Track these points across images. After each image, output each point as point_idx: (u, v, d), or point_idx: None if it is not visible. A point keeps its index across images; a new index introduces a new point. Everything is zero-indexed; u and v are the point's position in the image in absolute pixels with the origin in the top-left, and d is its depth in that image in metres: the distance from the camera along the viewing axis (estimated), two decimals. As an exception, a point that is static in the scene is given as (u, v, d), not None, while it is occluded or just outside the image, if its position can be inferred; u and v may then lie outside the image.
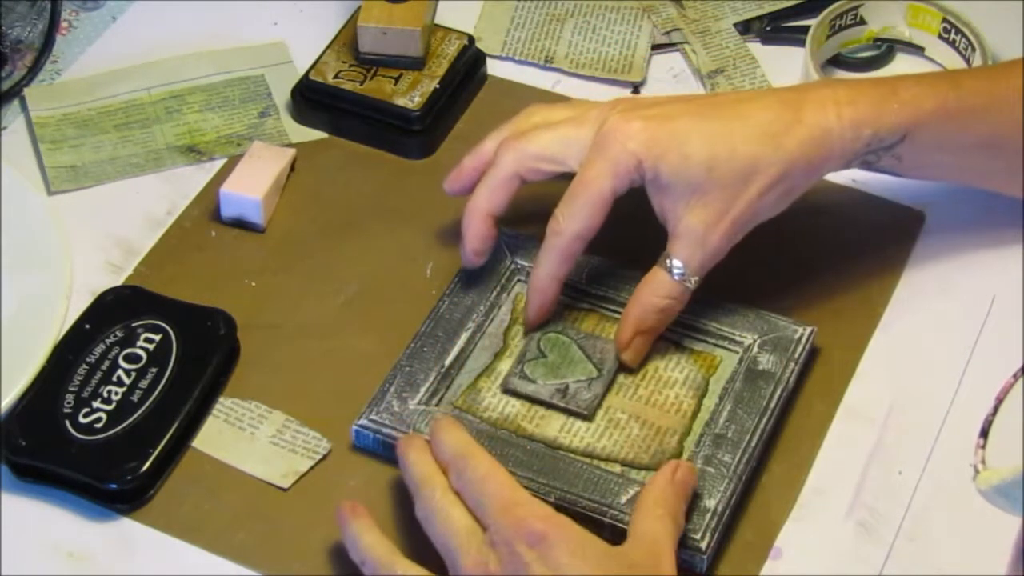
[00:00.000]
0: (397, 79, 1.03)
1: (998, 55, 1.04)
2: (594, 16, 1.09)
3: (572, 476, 0.83)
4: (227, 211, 0.98)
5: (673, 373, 0.89)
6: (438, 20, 1.06)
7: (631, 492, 0.82)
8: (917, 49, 1.07)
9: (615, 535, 0.79)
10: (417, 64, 1.03)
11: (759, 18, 1.09)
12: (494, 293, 0.92)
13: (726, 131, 0.86)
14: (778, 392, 0.87)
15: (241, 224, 0.98)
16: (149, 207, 1.00)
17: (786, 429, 0.88)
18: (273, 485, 0.86)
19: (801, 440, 0.88)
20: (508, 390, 0.88)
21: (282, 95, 1.05)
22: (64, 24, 1.10)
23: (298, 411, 0.89)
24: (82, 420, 0.86)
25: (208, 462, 0.87)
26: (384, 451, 0.86)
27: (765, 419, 0.86)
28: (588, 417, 0.87)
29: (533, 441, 0.86)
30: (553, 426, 0.87)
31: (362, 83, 1.03)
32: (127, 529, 0.85)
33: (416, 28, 1.02)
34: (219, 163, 1.02)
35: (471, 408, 0.88)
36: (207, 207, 0.99)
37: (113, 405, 0.87)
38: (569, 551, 0.75)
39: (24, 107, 1.05)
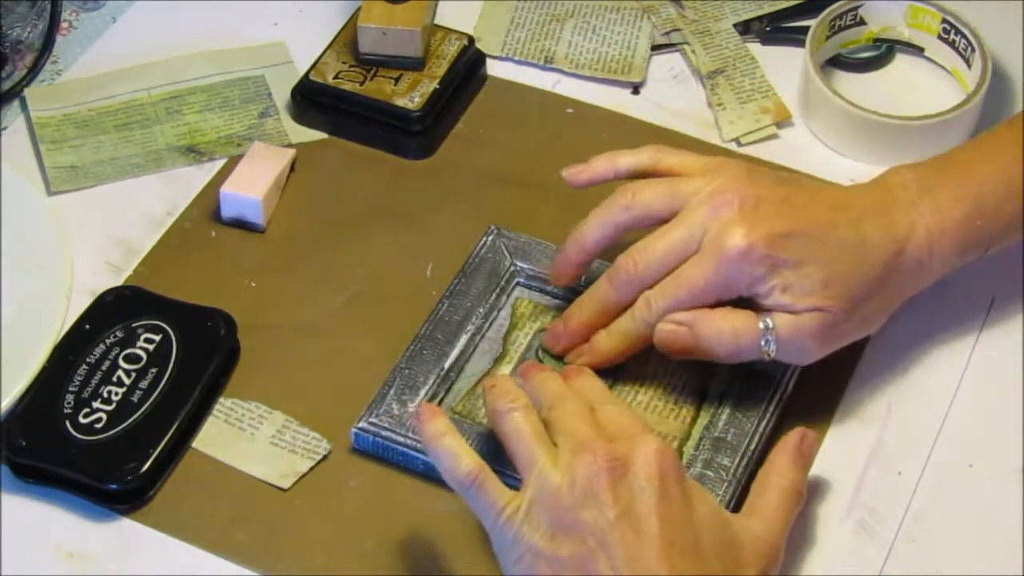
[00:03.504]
0: (397, 79, 1.03)
1: (998, 55, 1.04)
2: (594, 16, 1.09)
3: None
4: (227, 211, 0.98)
5: (671, 379, 0.89)
6: (438, 20, 1.06)
7: None
8: (917, 49, 1.07)
9: None
10: (417, 64, 1.03)
11: (759, 18, 1.09)
12: (493, 296, 0.92)
13: (840, 259, 0.84)
14: (777, 394, 0.87)
15: (241, 224, 0.98)
16: (149, 207, 1.00)
17: (786, 429, 0.88)
18: (273, 485, 0.86)
19: (801, 440, 0.88)
20: None
21: (282, 95, 1.05)
22: (64, 24, 1.10)
23: (298, 411, 0.89)
24: (82, 420, 0.86)
25: (208, 462, 0.87)
26: (384, 453, 0.86)
27: (764, 422, 0.86)
28: None
29: None
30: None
31: (362, 83, 1.03)
32: (127, 529, 0.85)
33: (416, 28, 1.02)
34: (219, 163, 1.02)
35: (471, 414, 0.87)
36: (207, 207, 0.99)
37: (113, 405, 0.87)
38: (690, 503, 0.75)
39: (24, 107, 1.05)
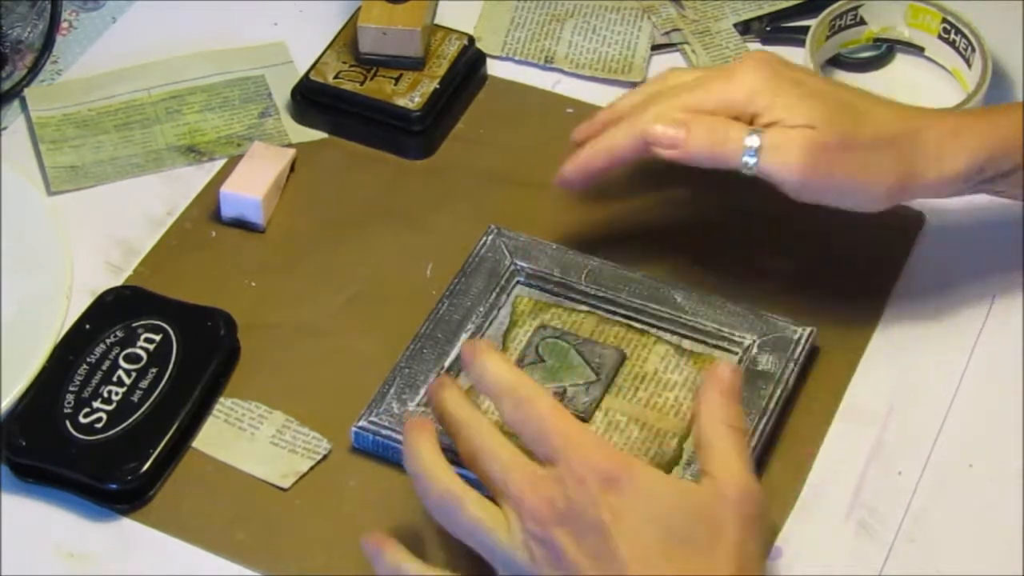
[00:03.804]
0: (397, 79, 1.03)
1: (998, 55, 1.04)
2: (594, 16, 1.09)
3: None
4: (227, 211, 0.98)
5: (672, 375, 0.89)
6: (438, 20, 1.06)
7: None
8: (917, 49, 1.07)
9: None
10: (417, 64, 1.03)
11: (759, 18, 1.09)
12: (493, 295, 0.92)
13: (843, 105, 0.87)
14: (777, 392, 0.87)
15: (241, 224, 0.98)
16: (149, 207, 1.00)
17: (786, 429, 0.88)
18: (273, 485, 0.86)
19: (801, 440, 0.88)
20: None
21: (282, 95, 1.05)
22: (64, 24, 1.10)
23: (298, 411, 0.89)
24: (82, 420, 0.86)
25: (208, 462, 0.87)
26: (384, 452, 0.86)
27: (764, 419, 0.86)
28: (586, 419, 0.87)
29: None
30: None
31: (362, 83, 1.03)
32: (127, 529, 0.85)
33: (416, 28, 1.02)
34: (219, 163, 1.02)
35: None
36: (207, 207, 0.99)
37: (113, 405, 0.87)
38: (643, 504, 0.73)
39: (24, 107, 1.05)
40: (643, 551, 0.72)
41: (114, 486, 0.85)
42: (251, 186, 0.97)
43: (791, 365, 0.88)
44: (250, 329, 0.92)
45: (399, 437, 0.85)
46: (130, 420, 0.87)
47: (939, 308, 0.93)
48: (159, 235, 0.98)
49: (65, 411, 0.87)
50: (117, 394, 0.88)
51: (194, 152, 1.02)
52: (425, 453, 0.78)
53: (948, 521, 0.84)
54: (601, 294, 0.92)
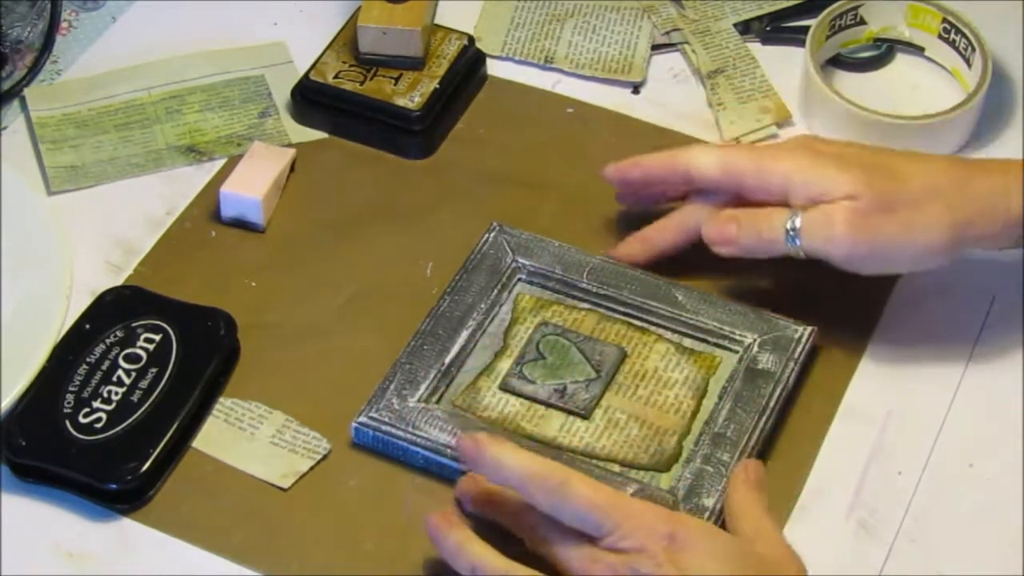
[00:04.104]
0: (397, 79, 1.03)
1: (998, 55, 1.04)
2: (594, 16, 1.09)
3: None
4: (227, 211, 0.98)
5: (673, 374, 0.89)
6: (438, 20, 1.06)
7: (631, 489, 0.82)
8: (917, 49, 1.07)
9: None
10: (417, 64, 1.03)
11: (759, 18, 1.09)
12: (495, 292, 0.92)
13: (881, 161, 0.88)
14: (777, 391, 0.87)
15: (241, 224, 0.98)
16: (149, 207, 1.00)
17: (786, 429, 0.88)
18: (273, 485, 0.86)
19: (801, 440, 0.88)
20: (506, 388, 0.88)
21: (282, 95, 1.05)
22: (64, 24, 1.10)
23: (298, 411, 0.89)
24: (82, 420, 0.86)
25: (208, 462, 0.87)
26: (383, 448, 0.86)
27: (764, 418, 0.86)
28: (585, 416, 0.87)
29: (532, 440, 0.86)
30: (552, 426, 0.87)
31: (362, 83, 1.03)
32: (127, 529, 0.85)
33: (416, 28, 1.02)
34: (219, 163, 1.02)
35: (471, 407, 0.88)
36: (207, 207, 0.99)
37: (113, 405, 0.87)
38: (703, 551, 0.75)
39: (24, 107, 1.05)
40: None
41: (114, 486, 0.85)
42: (251, 186, 0.97)
43: (791, 364, 0.88)
44: (250, 329, 0.92)
45: (399, 433, 0.85)
46: (130, 420, 0.86)
47: (939, 308, 0.93)
48: (159, 235, 0.98)
49: (65, 411, 0.87)
50: (117, 394, 0.88)
51: (194, 152, 1.02)
52: (472, 544, 0.78)
53: (948, 521, 0.84)
54: (602, 292, 0.92)
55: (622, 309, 0.91)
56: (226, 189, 0.98)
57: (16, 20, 1.07)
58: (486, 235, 0.95)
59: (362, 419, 0.87)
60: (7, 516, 0.85)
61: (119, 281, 0.95)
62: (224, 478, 0.87)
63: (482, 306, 0.91)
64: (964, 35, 1.03)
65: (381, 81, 1.03)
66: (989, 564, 0.82)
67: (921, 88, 1.05)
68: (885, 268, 0.89)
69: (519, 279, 0.94)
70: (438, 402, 0.88)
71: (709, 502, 0.82)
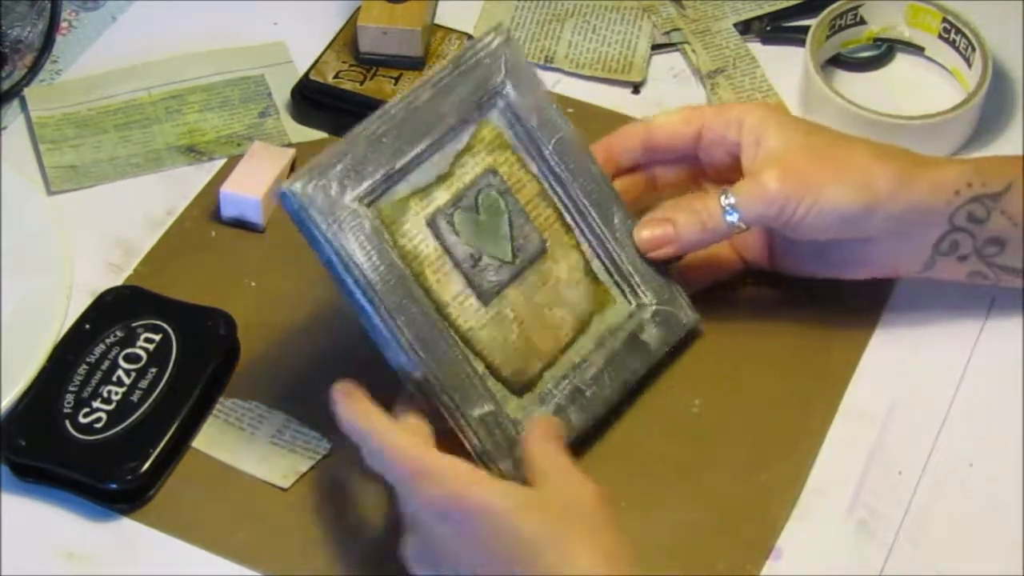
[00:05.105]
0: (397, 79, 1.03)
1: (998, 55, 1.04)
2: (594, 16, 1.09)
3: (445, 362, 0.82)
4: (227, 211, 0.98)
5: (570, 292, 0.88)
6: (438, 20, 1.06)
7: (485, 408, 0.82)
8: (917, 49, 1.07)
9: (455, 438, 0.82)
10: (417, 64, 1.03)
11: (759, 18, 1.09)
12: (469, 109, 0.87)
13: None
14: (645, 372, 0.88)
15: (241, 224, 0.98)
16: (149, 207, 1.00)
17: (786, 429, 0.88)
18: (273, 485, 0.86)
19: (801, 440, 0.88)
20: (432, 226, 0.85)
21: (282, 95, 1.05)
22: (64, 24, 1.10)
23: (298, 411, 0.89)
24: (82, 420, 0.86)
25: (208, 462, 0.87)
26: (299, 225, 0.82)
27: (623, 394, 0.87)
28: (485, 303, 0.85)
29: (428, 300, 0.83)
30: (450, 290, 0.84)
31: (362, 83, 1.03)
32: (127, 529, 0.85)
33: (416, 28, 1.02)
34: (219, 163, 1.02)
35: (392, 224, 0.84)
36: (207, 207, 0.99)
37: (113, 405, 0.87)
38: (473, 528, 0.75)
39: (24, 107, 1.05)
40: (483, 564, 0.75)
41: (114, 486, 0.85)
42: (251, 186, 0.97)
43: (665, 348, 0.89)
44: (250, 329, 0.92)
45: (321, 224, 0.81)
46: (130, 420, 0.87)
47: (939, 308, 0.93)
48: (159, 235, 0.98)
49: (65, 411, 0.87)
50: (117, 394, 0.88)
51: (194, 152, 1.02)
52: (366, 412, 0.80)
53: (948, 521, 0.84)
54: (556, 169, 0.88)
55: (563, 197, 0.89)
56: (226, 189, 0.98)
57: (16, 20, 1.07)
58: (492, 37, 0.88)
59: (296, 187, 0.81)
60: (7, 516, 0.85)
61: (119, 281, 0.95)
62: (224, 478, 0.87)
63: (451, 120, 0.86)
64: (964, 35, 1.03)
65: (381, 81, 1.03)
66: (989, 564, 0.83)
67: (921, 88, 1.05)
68: (822, 223, 0.87)
69: (495, 106, 0.88)
70: (370, 206, 0.83)
71: None
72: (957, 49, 1.04)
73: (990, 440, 0.87)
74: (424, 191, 0.85)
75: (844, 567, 0.83)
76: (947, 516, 0.84)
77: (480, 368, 0.84)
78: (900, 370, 0.90)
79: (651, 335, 0.88)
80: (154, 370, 0.89)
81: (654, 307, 0.89)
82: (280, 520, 0.85)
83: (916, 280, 0.93)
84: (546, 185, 0.89)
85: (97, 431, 0.86)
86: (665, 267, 0.90)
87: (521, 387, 0.85)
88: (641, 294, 0.89)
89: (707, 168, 0.91)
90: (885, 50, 1.07)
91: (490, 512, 0.75)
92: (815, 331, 0.91)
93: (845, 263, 0.90)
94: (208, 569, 0.83)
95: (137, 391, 0.88)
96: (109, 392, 0.88)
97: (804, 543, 0.83)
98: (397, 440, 0.79)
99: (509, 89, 0.88)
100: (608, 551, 0.75)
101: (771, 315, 0.92)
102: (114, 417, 0.87)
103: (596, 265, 0.89)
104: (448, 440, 0.81)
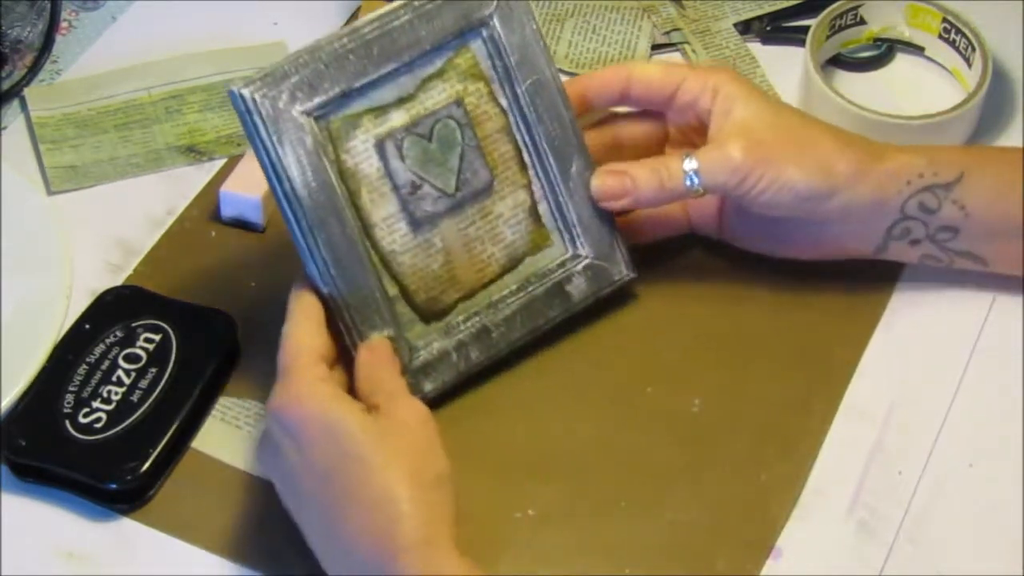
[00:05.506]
0: (397, 79, 1.03)
1: (998, 55, 1.04)
2: (594, 16, 1.09)
3: (356, 284, 0.83)
4: (227, 211, 0.98)
5: (506, 230, 0.88)
6: (438, 20, 1.06)
7: (383, 332, 0.83)
8: (917, 49, 1.07)
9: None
10: (417, 64, 1.03)
11: (759, 18, 1.09)
12: (449, 36, 0.85)
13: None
14: (560, 320, 0.88)
15: (241, 224, 0.98)
16: (149, 207, 1.00)
17: (786, 429, 0.88)
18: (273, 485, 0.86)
19: (801, 440, 0.88)
20: (379, 148, 0.84)
21: (282, 95, 1.05)
22: (64, 24, 1.10)
23: (298, 411, 0.89)
24: (82, 420, 0.86)
25: (208, 462, 0.87)
26: (243, 127, 0.82)
27: (531, 338, 0.87)
28: (414, 231, 0.85)
29: (357, 219, 0.84)
30: (381, 212, 0.85)
31: (362, 83, 1.02)
32: (127, 529, 0.85)
33: (416, 28, 1.01)
34: (219, 163, 1.02)
35: (338, 139, 0.84)
36: (207, 207, 0.99)
37: (113, 405, 0.87)
38: (299, 434, 0.78)
39: (24, 107, 1.05)
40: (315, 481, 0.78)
41: (114, 486, 0.85)
42: (251, 186, 0.97)
43: (590, 298, 0.89)
44: (250, 329, 0.92)
45: (263, 132, 0.82)
46: (130, 420, 0.87)
47: (939, 308, 0.93)
48: (159, 235, 0.98)
49: (65, 411, 0.87)
50: (117, 394, 0.88)
51: (194, 152, 1.02)
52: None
53: (948, 521, 0.84)
54: (526, 109, 0.88)
55: (524, 136, 0.88)
56: (226, 189, 0.98)
57: (16, 20, 1.07)
58: None
59: (245, 92, 0.81)
60: (7, 516, 0.85)
61: (119, 281, 0.95)
62: (224, 478, 0.87)
63: (427, 47, 0.85)
64: (964, 35, 1.03)
65: (381, 81, 1.03)
66: (989, 564, 0.82)
67: (921, 88, 1.05)
68: (779, 200, 0.87)
69: (479, 36, 0.87)
70: (319, 119, 0.83)
71: (428, 387, 0.84)
72: (957, 49, 1.04)
73: (990, 440, 0.87)
74: (380, 109, 0.85)
75: (844, 567, 0.83)
76: (947, 516, 0.84)
77: (393, 291, 0.84)
78: (900, 370, 0.90)
79: (576, 286, 0.88)
80: (154, 370, 0.89)
81: (588, 260, 0.89)
82: (280, 520, 0.85)
83: (916, 280, 0.93)
84: (511, 120, 0.88)
85: (97, 431, 0.86)
86: (611, 221, 0.89)
87: (432, 315, 0.85)
88: (580, 245, 0.89)
89: (672, 128, 0.92)
90: (885, 50, 1.07)
91: (318, 422, 0.78)
92: (815, 331, 0.92)
93: (795, 242, 0.91)
94: (208, 569, 0.83)
95: (137, 391, 0.88)
96: (109, 392, 0.88)
97: (804, 543, 0.83)
98: (297, 333, 0.82)
99: (496, 22, 0.87)
100: (414, 469, 0.77)
101: (771, 315, 0.92)
102: (114, 417, 0.87)
103: (543, 208, 0.89)
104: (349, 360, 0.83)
